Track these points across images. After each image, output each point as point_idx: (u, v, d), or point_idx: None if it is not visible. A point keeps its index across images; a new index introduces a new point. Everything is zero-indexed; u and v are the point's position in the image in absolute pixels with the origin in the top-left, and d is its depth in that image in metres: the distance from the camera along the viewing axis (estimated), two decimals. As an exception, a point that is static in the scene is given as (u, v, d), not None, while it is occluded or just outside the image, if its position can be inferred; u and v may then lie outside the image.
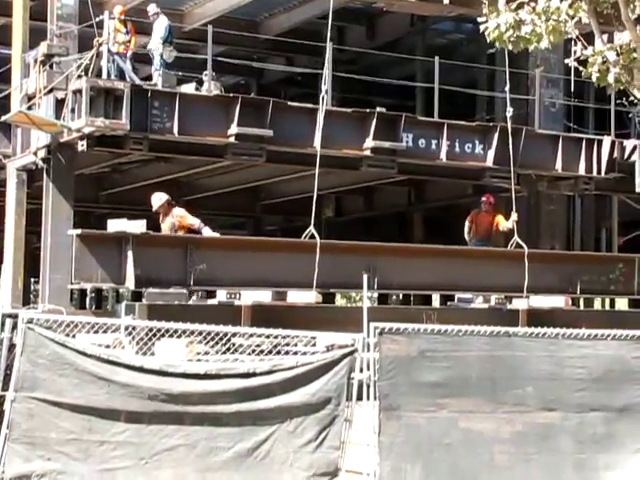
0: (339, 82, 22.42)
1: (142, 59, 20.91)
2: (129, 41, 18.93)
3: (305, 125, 18.55)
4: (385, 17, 26.26)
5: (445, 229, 26.27)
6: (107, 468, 9.35)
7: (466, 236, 20.24)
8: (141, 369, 9.46)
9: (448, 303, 19.77)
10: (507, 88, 17.85)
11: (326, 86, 16.83)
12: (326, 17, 16.51)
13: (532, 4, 12.73)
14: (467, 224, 20.27)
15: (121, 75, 18.32)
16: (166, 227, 17.19)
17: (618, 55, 13.49)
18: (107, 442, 9.35)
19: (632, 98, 14.39)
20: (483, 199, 20.33)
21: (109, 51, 18.00)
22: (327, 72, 16.73)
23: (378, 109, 19.64)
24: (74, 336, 9.85)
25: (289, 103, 19.57)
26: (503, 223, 19.67)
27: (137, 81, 18.35)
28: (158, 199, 17.33)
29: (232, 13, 24.72)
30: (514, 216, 18.71)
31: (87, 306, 19.59)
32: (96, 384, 9.37)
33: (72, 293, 17.23)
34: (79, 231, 15.77)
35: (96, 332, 10.42)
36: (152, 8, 19.39)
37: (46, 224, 18.17)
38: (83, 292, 19.37)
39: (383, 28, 27.04)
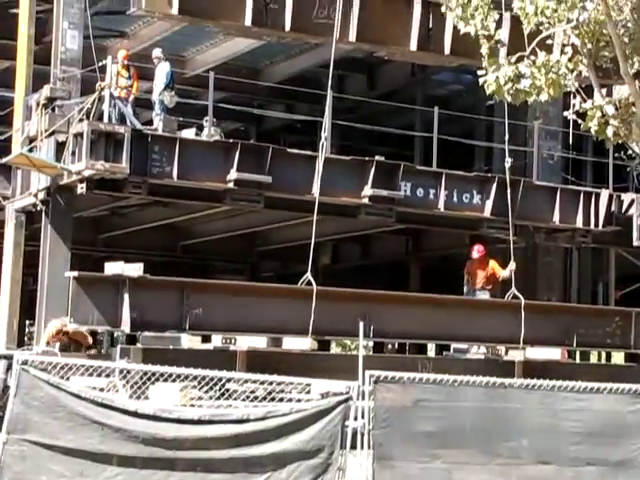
0: (338, 130, 22.55)
1: (143, 104, 21.04)
2: (131, 86, 19.07)
3: (304, 172, 18.63)
4: (385, 67, 26.49)
5: (442, 279, 26.24)
6: (98, 513, 9.27)
7: (464, 287, 20.18)
8: (135, 413, 9.41)
9: (444, 353, 19.73)
10: (506, 138, 17.94)
11: (326, 133, 16.91)
12: (327, 66, 16.65)
13: (532, 57, 12.84)
14: (465, 275, 20.26)
15: (122, 119, 18.42)
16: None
17: (617, 109, 13.59)
18: (99, 486, 9.28)
19: (630, 152, 14.50)
20: (474, 250, 20.11)
21: (111, 95, 18.12)
22: (327, 120, 16.82)
23: (377, 158, 19.74)
24: (68, 379, 9.80)
25: (288, 150, 19.66)
26: (500, 271, 19.66)
27: (138, 125, 18.45)
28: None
29: (234, 60, 24.95)
30: (512, 265, 18.73)
31: (82, 349, 19.56)
32: (89, 427, 9.31)
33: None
34: (76, 273, 15.76)
35: (90, 375, 10.36)
36: (156, 52, 19.54)
37: (43, 266, 18.16)
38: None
39: (383, 77, 27.27)
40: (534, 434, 10.25)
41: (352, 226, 22.90)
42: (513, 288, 18.10)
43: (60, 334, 15.68)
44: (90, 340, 16.62)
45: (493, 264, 19.84)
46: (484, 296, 19.48)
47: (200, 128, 19.65)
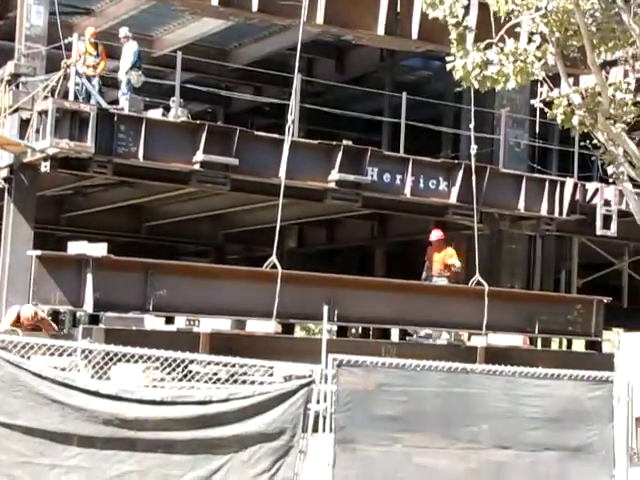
0: (306, 114, 22.51)
1: (109, 83, 20.89)
2: (98, 64, 18.91)
3: (271, 155, 18.59)
4: (354, 51, 26.46)
5: (406, 264, 26.31)
6: (57, 492, 9.22)
7: (423, 273, 20.15)
8: (96, 393, 9.35)
9: (407, 338, 19.79)
10: (472, 126, 17.99)
11: (292, 116, 16.87)
12: (295, 48, 16.59)
13: (500, 45, 12.87)
14: (426, 261, 20.24)
15: (88, 98, 18.27)
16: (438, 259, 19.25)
17: (583, 98, 13.68)
18: (59, 466, 9.22)
19: (595, 141, 14.57)
20: (432, 234, 19.97)
21: (77, 73, 17.95)
22: (294, 103, 16.78)
23: (344, 142, 19.75)
24: (29, 358, 9.74)
25: (256, 133, 19.62)
26: (451, 260, 19.54)
27: (104, 104, 18.31)
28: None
29: (202, 41, 24.82)
30: (457, 263, 18.99)
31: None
32: (50, 407, 9.24)
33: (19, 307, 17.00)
34: (39, 252, 15.64)
35: (52, 355, 10.31)
36: (123, 31, 19.39)
37: (5, 244, 18.02)
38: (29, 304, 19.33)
39: (352, 62, 27.24)
40: (494, 419, 10.33)
41: (318, 210, 22.91)
42: (477, 275, 18.19)
43: (28, 320, 15.56)
44: (55, 329, 16.51)
45: (450, 251, 19.75)
46: (441, 282, 19.42)
47: (167, 109, 19.53)
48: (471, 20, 12.76)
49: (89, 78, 18.50)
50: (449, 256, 19.63)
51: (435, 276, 19.66)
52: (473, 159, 18.50)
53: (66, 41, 18.02)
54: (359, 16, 19.94)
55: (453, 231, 23.02)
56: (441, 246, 19.83)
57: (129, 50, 19.05)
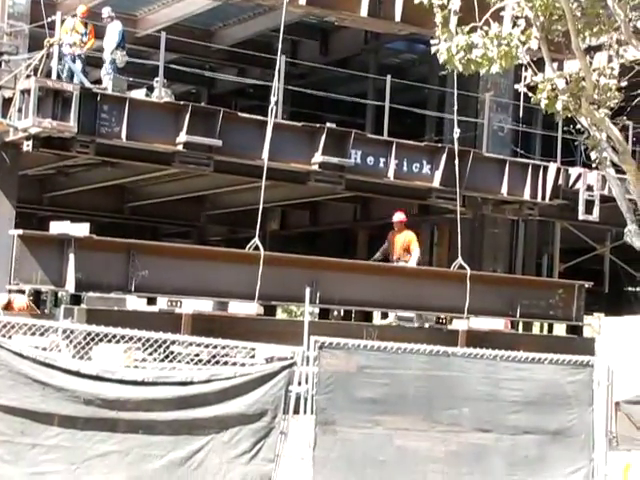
0: (290, 96, 22.48)
1: (92, 63, 20.76)
2: (86, 43, 18.72)
3: (254, 137, 18.55)
4: (339, 33, 26.40)
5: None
6: (38, 472, 9.21)
7: (376, 254, 19.73)
8: (77, 373, 9.34)
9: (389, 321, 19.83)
10: (455, 109, 17.99)
11: (275, 98, 16.82)
12: (280, 30, 16.54)
13: (485, 28, 12.86)
14: (386, 243, 19.87)
15: (71, 77, 18.17)
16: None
17: (567, 83, 13.69)
18: (39, 445, 9.21)
19: (579, 126, 14.59)
20: (394, 216, 19.77)
21: (60, 52, 17.85)
22: (277, 84, 16.74)
23: (328, 125, 19.72)
24: (10, 337, 9.71)
25: (239, 114, 19.57)
26: (413, 245, 19.24)
27: (87, 84, 18.22)
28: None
29: (186, 21, 24.70)
30: (414, 259, 18.83)
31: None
32: (31, 386, 9.23)
33: (10, 294, 16.96)
34: (20, 231, 15.59)
35: (33, 334, 10.27)
36: (107, 11, 19.27)
37: (-13, 223, 17.93)
38: (21, 293, 19.18)
39: (336, 44, 27.18)
40: (475, 402, 10.36)
41: (301, 192, 22.89)
42: (459, 258, 18.23)
43: (22, 310, 15.53)
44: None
45: (410, 236, 19.50)
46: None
47: (150, 89, 19.45)
48: (456, 3, 12.72)
49: (75, 57, 18.37)
50: (409, 241, 19.40)
51: (394, 260, 19.42)
52: (456, 143, 18.51)
53: (49, 19, 17.90)
54: (342, -2, 19.92)
55: (436, 215, 23.08)
56: (402, 229, 19.62)
57: (114, 30, 18.95)
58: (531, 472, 10.46)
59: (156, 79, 19.19)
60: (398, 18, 20.12)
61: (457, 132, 18.37)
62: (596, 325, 25.00)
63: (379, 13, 20.26)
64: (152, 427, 9.43)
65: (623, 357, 13.76)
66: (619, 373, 11.26)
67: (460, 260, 18.21)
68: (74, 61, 18.45)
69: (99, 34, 19.70)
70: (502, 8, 13.40)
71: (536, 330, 26.50)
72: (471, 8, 13.12)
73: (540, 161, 22.74)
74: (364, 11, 19.95)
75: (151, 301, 16.97)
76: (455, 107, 17.98)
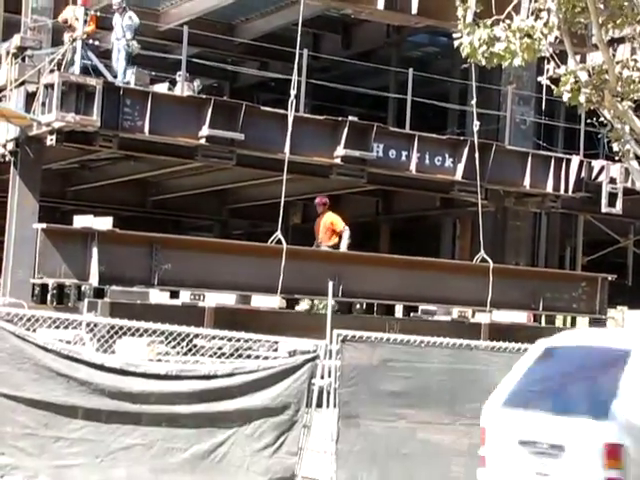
0: (312, 89, 22.42)
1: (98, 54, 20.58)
2: (89, 32, 18.48)
3: (276, 130, 18.54)
4: (361, 27, 26.34)
5: (412, 241, 26.31)
6: (62, 465, 9.28)
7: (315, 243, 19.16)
8: (101, 367, 9.40)
9: (411, 314, 19.83)
10: (474, 102, 17.93)
11: (295, 91, 16.77)
12: (302, 24, 16.53)
13: (507, 21, 12.81)
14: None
15: (94, 70, 18.19)
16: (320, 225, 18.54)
17: (590, 76, 13.61)
18: (63, 438, 9.28)
19: (602, 119, 14.52)
20: (316, 201, 19.38)
21: (84, 46, 17.87)
22: (296, 78, 16.72)
23: (350, 118, 19.69)
24: (35, 330, 9.78)
25: (261, 108, 19.58)
26: (338, 227, 18.63)
27: (110, 78, 18.25)
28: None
29: (208, 15, 24.70)
30: (344, 243, 18.35)
31: (48, 301, 19.42)
32: (55, 380, 9.29)
33: (34, 288, 17.06)
34: (44, 225, 15.67)
35: (57, 327, 10.34)
36: (119, 1, 19.11)
37: (11, 217, 18.02)
38: (45, 287, 19.25)
39: (358, 38, 27.11)
40: (498, 396, 10.33)
41: (323, 186, 22.87)
42: (482, 251, 18.19)
43: None
44: None
45: (332, 219, 18.92)
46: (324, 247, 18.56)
47: (173, 83, 19.47)
48: (476, -3, 12.68)
49: (91, 49, 18.28)
50: (331, 222, 18.83)
51: (317, 244, 18.86)
52: (476, 135, 18.45)
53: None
54: (359, -11, 19.90)
55: (459, 208, 23.02)
56: (325, 211, 19.16)
57: (131, 20, 18.77)
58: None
59: (179, 73, 19.22)
60: (415, 11, 20.05)
61: (477, 125, 18.33)
62: (619, 318, 24.87)
63: (396, 6, 20.20)
64: (175, 420, 9.49)
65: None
66: None
67: (482, 253, 18.17)
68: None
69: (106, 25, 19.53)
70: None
71: (559, 323, 26.40)
72: (490, 1, 13.07)
73: (563, 154, 22.63)
74: (381, 4, 19.91)
75: (174, 294, 17.04)
76: (474, 100, 17.92)
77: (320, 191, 23.88)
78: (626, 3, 13.22)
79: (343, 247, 18.72)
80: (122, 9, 18.95)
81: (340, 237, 18.84)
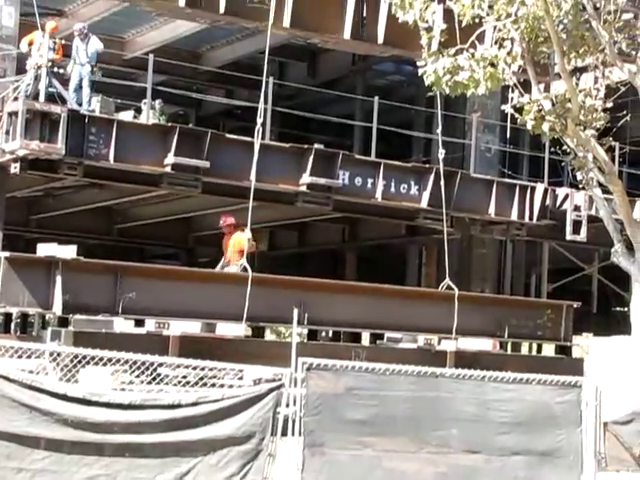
0: (278, 117, 22.51)
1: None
2: (54, 59, 18.35)
3: (242, 158, 18.54)
4: (327, 55, 26.49)
5: (378, 268, 26.38)
6: (24, 496, 9.15)
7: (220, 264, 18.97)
8: (64, 396, 9.29)
9: (377, 342, 19.81)
10: (439, 130, 18.04)
11: (262, 120, 16.81)
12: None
13: (471, 50, 12.92)
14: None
15: (59, 98, 18.10)
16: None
17: (553, 104, 13.75)
18: (25, 469, 9.15)
19: (566, 147, 14.65)
20: (221, 223, 19.21)
21: (49, 73, 17.78)
22: (262, 106, 16.75)
23: (316, 146, 19.75)
24: (-3, 360, 9.67)
25: (227, 135, 19.58)
26: (242, 244, 18.03)
27: (74, 105, 18.17)
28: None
29: (174, 43, 24.77)
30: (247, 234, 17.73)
31: (12, 331, 19.29)
32: (17, 410, 9.17)
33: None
34: (7, 254, 15.54)
35: (20, 357, 10.23)
36: (80, 26, 18.98)
37: (-26, 246, 17.87)
38: (8, 316, 19.15)
39: (324, 66, 27.28)
40: (464, 423, 10.35)
41: (289, 213, 22.90)
42: (447, 279, 18.23)
43: None
44: None
45: (239, 238, 18.49)
46: (234, 269, 18.17)
47: (138, 111, 19.44)
48: (440, 25, 12.78)
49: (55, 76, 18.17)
50: (239, 242, 18.39)
51: (225, 263, 18.67)
52: (441, 163, 18.53)
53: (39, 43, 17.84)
54: (325, 20, 19.99)
55: (424, 235, 23.10)
56: (233, 232, 18.91)
57: (94, 47, 18.65)
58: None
59: (144, 101, 19.19)
60: (381, 40, 20.19)
61: (442, 153, 18.41)
62: (585, 345, 25.01)
63: (362, 35, 20.34)
64: (139, 450, 9.38)
65: (612, 377, 13.76)
66: (608, 393, 11.26)
67: (448, 281, 18.21)
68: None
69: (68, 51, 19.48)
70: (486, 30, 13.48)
71: (525, 350, 26.49)
72: (452, 30, 13.19)
73: (527, 182, 22.80)
74: (347, 33, 20.03)
75: (139, 323, 16.93)
76: (440, 128, 18.02)
77: (286, 218, 23.95)
78: (587, 33, 13.38)
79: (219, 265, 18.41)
80: (84, 35, 18.84)
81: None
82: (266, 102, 18.06)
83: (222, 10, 18.71)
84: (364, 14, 20.06)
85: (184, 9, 18.74)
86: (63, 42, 18.74)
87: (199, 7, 18.77)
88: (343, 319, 18.15)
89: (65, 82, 18.53)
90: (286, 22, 19.27)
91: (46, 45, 17.78)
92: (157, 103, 19.78)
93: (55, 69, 18.18)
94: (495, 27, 13.38)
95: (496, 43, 13.54)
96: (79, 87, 18.53)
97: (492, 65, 12.86)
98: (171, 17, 21.26)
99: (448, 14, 13.46)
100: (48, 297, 15.44)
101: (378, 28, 20.01)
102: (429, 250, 24.45)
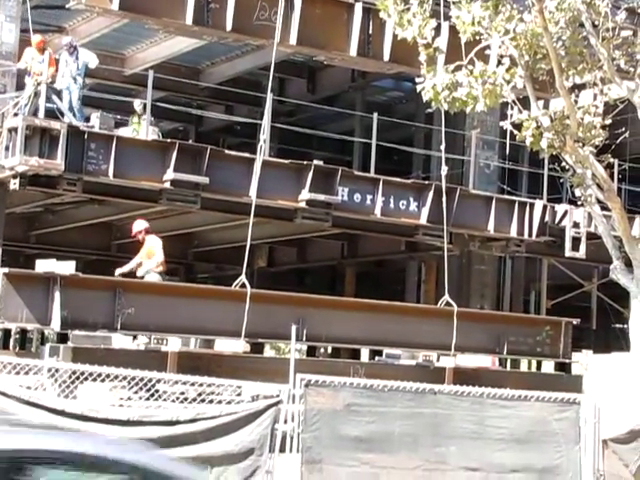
0: (278, 133, 22.55)
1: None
2: (41, 74, 18.34)
3: (241, 174, 18.57)
4: (326, 71, 26.55)
5: (377, 284, 26.38)
6: (21, 513, 9.11)
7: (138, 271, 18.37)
8: (62, 412, 9.29)
9: (376, 358, 19.80)
10: (442, 147, 18.06)
11: (264, 136, 16.84)
12: (267, 68, 16.63)
13: (470, 67, 12.95)
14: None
15: (59, 113, 18.14)
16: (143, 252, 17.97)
17: (552, 121, 13.77)
18: (23, 486, 9.13)
19: (564, 164, 14.66)
20: (133, 234, 18.72)
21: (49, 90, 17.82)
22: (265, 122, 16.80)
23: (315, 162, 19.77)
24: (-5, 376, 9.65)
25: (226, 151, 19.60)
26: (154, 253, 18.07)
27: (74, 121, 18.21)
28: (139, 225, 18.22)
29: (174, 60, 24.83)
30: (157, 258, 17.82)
31: (11, 346, 19.28)
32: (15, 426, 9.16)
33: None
34: (6, 270, 15.53)
35: (18, 373, 10.22)
36: (69, 40, 18.99)
37: (-27, 261, 17.87)
38: (7, 332, 19.09)
39: (324, 82, 27.33)
40: (462, 440, 10.33)
41: (289, 229, 22.90)
42: (447, 295, 18.23)
43: None
44: None
45: (153, 244, 18.38)
46: (153, 278, 17.99)
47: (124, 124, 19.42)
48: (441, 42, 12.83)
49: (54, 92, 18.19)
50: (152, 246, 18.30)
51: (136, 267, 18.30)
52: (444, 180, 18.55)
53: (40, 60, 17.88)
54: (332, 37, 20.04)
55: (423, 252, 23.11)
56: (144, 239, 18.56)
57: (83, 60, 18.63)
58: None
59: (144, 117, 19.22)
60: (387, 57, 20.23)
61: (444, 170, 18.42)
62: (584, 362, 24.98)
63: (368, 53, 20.38)
64: (137, 466, 9.36)
65: (611, 394, 13.74)
66: (607, 410, 11.25)
67: (447, 297, 18.20)
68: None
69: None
70: (487, 47, 13.50)
71: (524, 367, 26.49)
72: (457, 47, 13.22)
73: (527, 198, 22.81)
74: (353, 51, 20.08)
75: (137, 339, 16.90)
76: (443, 145, 18.04)
77: (285, 234, 23.96)
78: (585, 50, 13.41)
79: (152, 264, 18.06)
80: (73, 48, 18.84)
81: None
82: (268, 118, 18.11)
83: (229, 27, 18.76)
84: (370, 31, 20.10)
85: (191, 27, 18.79)
86: (55, 56, 18.81)
87: (206, 24, 18.81)
88: (342, 335, 18.13)
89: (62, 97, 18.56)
90: (292, 39, 19.32)
91: (46, 61, 17.82)
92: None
93: (53, 84, 18.23)
94: (494, 43, 13.40)
95: (495, 60, 13.59)
96: (71, 104, 18.54)
97: (491, 82, 12.89)
98: (178, 34, 21.29)
99: (452, 30, 13.49)
100: (47, 313, 15.43)
101: (384, 45, 20.05)
102: (428, 266, 24.45)
